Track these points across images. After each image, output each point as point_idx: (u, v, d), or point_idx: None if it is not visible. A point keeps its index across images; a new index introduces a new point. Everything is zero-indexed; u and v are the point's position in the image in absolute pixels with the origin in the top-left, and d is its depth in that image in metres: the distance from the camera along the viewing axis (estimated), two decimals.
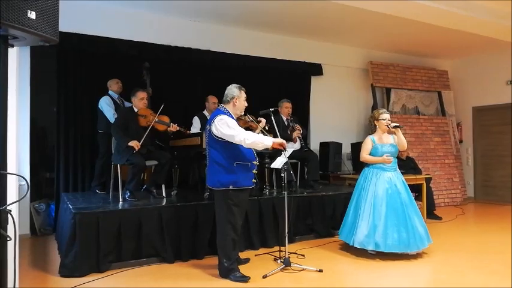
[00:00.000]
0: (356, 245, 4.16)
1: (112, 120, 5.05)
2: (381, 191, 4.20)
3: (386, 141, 4.40)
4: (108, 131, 5.02)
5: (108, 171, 4.92)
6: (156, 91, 5.53)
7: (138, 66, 5.50)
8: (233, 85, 3.69)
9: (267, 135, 3.72)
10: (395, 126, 4.33)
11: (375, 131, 4.47)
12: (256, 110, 4.31)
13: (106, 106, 5.21)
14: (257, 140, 3.41)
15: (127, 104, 5.36)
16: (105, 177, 5.18)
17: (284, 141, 3.56)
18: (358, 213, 4.26)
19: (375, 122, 4.44)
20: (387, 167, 4.31)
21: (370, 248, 4.09)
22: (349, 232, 4.31)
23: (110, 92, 5.36)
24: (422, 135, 7.97)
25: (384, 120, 4.37)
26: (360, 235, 4.15)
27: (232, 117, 3.57)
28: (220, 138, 3.48)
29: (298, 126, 5.66)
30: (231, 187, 3.47)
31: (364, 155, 4.40)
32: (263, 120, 3.93)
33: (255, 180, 3.66)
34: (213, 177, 3.56)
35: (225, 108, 3.62)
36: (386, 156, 4.28)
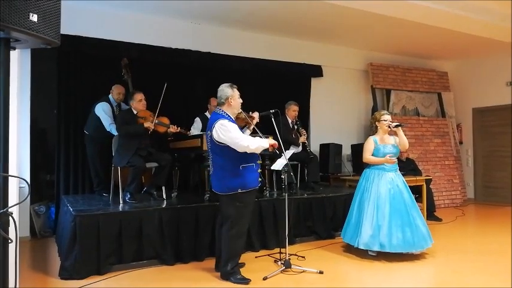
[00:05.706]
0: (361, 246, 4.12)
1: (109, 128, 4.98)
2: (383, 192, 4.19)
3: (387, 142, 4.41)
4: (94, 135, 5.03)
5: (103, 171, 4.97)
6: (156, 92, 5.52)
7: (117, 64, 5.29)
8: (224, 85, 3.59)
9: (261, 136, 3.65)
10: (396, 126, 4.34)
11: (375, 132, 4.47)
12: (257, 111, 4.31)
13: (104, 114, 5.02)
14: (260, 146, 3.39)
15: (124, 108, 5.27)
16: (104, 178, 5.15)
17: (276, 142, 3.52)
18: (361, 214, 4.24)
19: (376, 123, 4.45)
20: (389, 167, 4.32)
21: (376, 248, 4.06)
22: (353, 233, 4.27)
23: (110, 97, 5.18)
24: (422, 137, 7.97)
25: (386, 121, 4.38)
26: (364, 236, 4.11)
27: (232, 121, 3.51)
28: (222, 143, 3.41)
29: (304, 132, 5.69)
30: (239, 190, 3.44)
31: (367, 156, 4.39)
32: (256, 115, 3.79)
33: (260, 179, 3.66)
34: (220, 183, 3.52)
35: (222, 111, 3.53)
36: (389, 156, 4.29)
